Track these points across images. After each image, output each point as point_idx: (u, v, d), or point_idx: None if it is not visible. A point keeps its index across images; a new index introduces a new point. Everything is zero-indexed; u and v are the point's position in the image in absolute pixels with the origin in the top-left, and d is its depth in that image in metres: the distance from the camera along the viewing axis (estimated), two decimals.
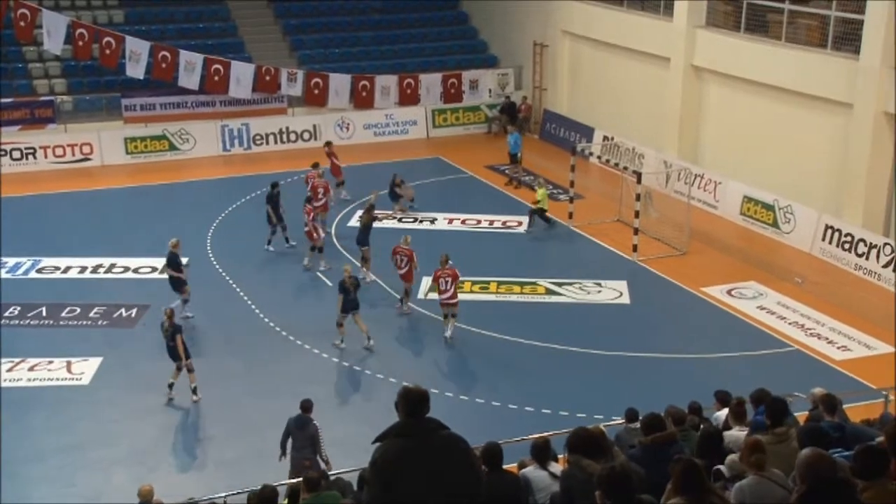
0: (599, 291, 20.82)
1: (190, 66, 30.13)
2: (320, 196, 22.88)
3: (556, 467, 8.08)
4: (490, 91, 34.05)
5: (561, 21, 32.31)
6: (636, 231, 22.53)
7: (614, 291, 20.85)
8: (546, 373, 17.38)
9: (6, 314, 19.30)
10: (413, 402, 5.38)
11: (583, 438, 7.36)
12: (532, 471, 8.10)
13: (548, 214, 24.29)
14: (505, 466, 7.87)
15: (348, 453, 12.22)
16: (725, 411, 10.65)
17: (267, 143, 31.21)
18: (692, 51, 27.08)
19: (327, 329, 18.49)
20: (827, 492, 5.56)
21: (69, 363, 17.56)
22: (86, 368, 17.44)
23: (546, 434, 9.55)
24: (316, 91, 31.70)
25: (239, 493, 11.85)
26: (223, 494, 12.01)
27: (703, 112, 27.32)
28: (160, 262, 20.64)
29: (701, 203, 25.20)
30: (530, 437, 10.01)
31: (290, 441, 13.26)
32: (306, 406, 13.26)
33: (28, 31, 29.60)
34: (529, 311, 19.97)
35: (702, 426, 10.42)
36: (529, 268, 22.01)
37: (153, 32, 31.26)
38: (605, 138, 29.55)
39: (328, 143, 26.82)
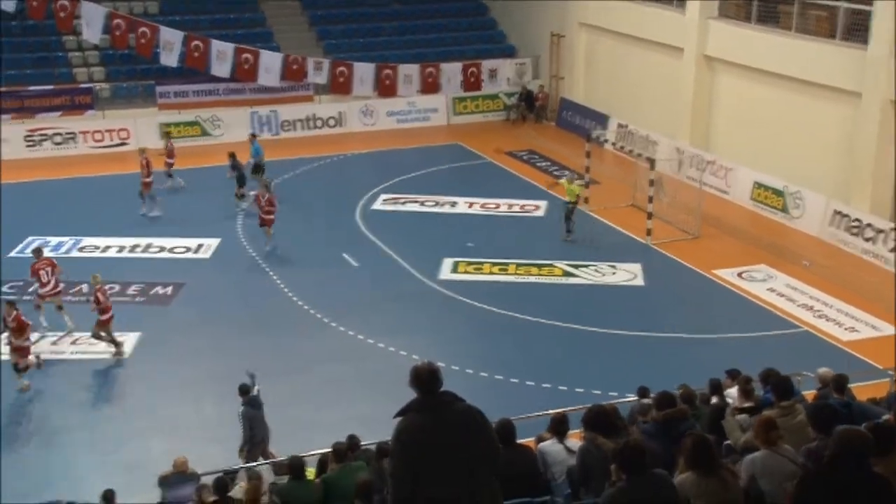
0: (614, 273, 21.55)
1: (221, 56, 31.10)
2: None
3: (572, 442, 8.29)
4: (508, 80, 34.78)
5: (577, 13, 33.06)
6: (650, 215, 23.24)
7: (628, 273, 21.58)
8: (562, 351, 17.96)
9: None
10: (424, 378, 5.60)
11: (598, 415, 7.68)
12: (549, 445, 8.39)
13: (573, 217, 23.12)
14: (522, 441, 8.18)
15: (371, 427, 12.36)
16: (737, 388, 10.86)
17: (294, 129, 32.16)
18: (704, 41, 27.72)
19: (354, 307, 19.39)
20: (849, 461, 5.44)
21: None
22: (125, 342, 18.09)
23: (562, 410, 9.62)
24: (341, 79, 32.57)
25: (266, 462, 12.62)
26: (254, 464, 12.50)
27: (715, 100, 27.96)
28: (193, 242, 21.52)
29: (713, 189, 25.86)
30: (546, 412, 10.30)
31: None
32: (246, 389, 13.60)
33: (68, 22, 30.62)
34: (547, 291, 20.65)
35: (712, 402, 10.60)
36: (547, 250, 22.66)
37: (186, 23, 32.19)
38: (620, 126, 30.28)
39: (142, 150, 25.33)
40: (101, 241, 22.93)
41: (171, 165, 26.16)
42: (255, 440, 13.43)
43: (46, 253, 19.91)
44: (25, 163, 28.46)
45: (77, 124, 29.74)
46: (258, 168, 25.77)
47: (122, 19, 30.92)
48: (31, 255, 19.82)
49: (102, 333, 17.62)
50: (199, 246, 22.78)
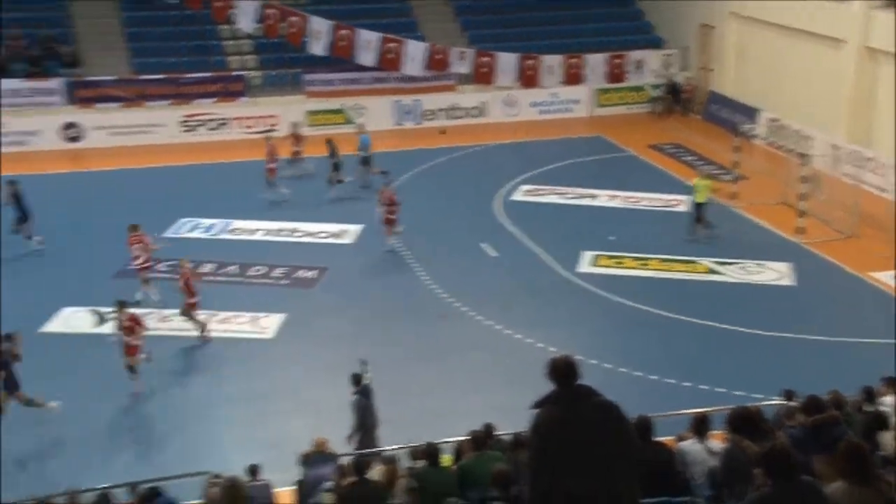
0: (761, 272, 20.85)
1: (367, 45, 31.64)
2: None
3: (714, 443, 8.12)
4: (653, 72, 34.06)
5: (729, 3, 31.99)
6: (802, 213, 22.35)
7: (776, 273, 20.83)
8: (704, 350, 17.55)
9: (203, 271, 20.89)
10: (561, 371, 5.55)
11: (743, 418, 7.41)
12: (689, 444, 8.20)
13: (702, 216, 22.36)
14: (662, 439, 8.08)
15: (508, 417, 12.17)
16: (893, 397, 10.45)
17: (436, 118, 32.41)
18: (868, 32, 26.37)
19: (492, 297, 19.39)
20: None
21: (255, 318, 18.86)
22: (270, 324, 18.65)
23: (704, 410, 9.42)
24: (484, 70, 32.62)
25: (402, 447, 12.73)
26: (389, 448, 12.65)
27: (877, 94, 26.59)
28: (337, 227, 21.95)
29: (871, 186, 24.65)
30: (687, 411, 10.12)
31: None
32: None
33: (223, 12, 31.76)
34: (690, 288, 20.19)
35: (869, 410, 10.12)
36: (690, 246, 22.14)
37: (334, 12, 32.86)
38: (771, 120, 29.19)
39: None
40: (250, 224, 23.65)
41: (298, 154, 26.66)
42: (365, 428, 13.57)
43: (199, 234, 20.73)
44: (180, 147, 29.71)
45: (230, 110, 30.84)
46: (365, 161, 26.03)
47: (274, 9, 31.84)
48: (181, 235, 20.74)
49: (190, 314, 18.03)
50: (343, 231, 23.23)
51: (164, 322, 18.50)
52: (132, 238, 19.43)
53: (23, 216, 21.60)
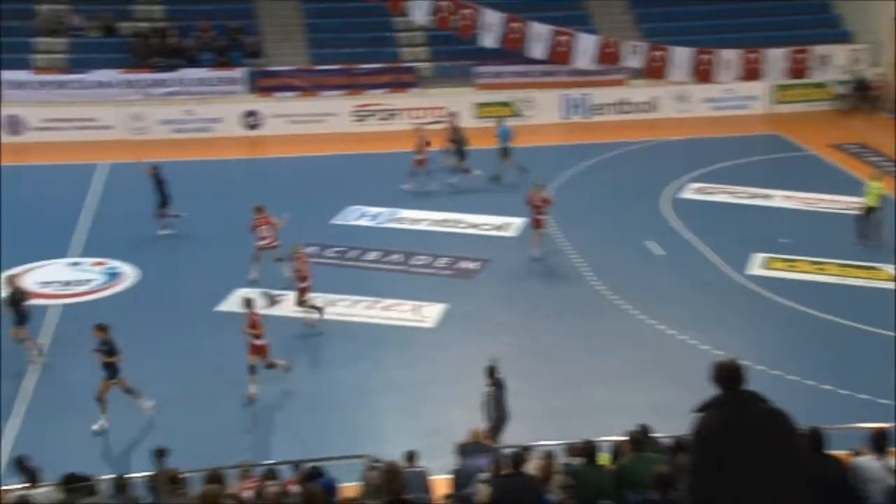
0: None
1: (538, 38, 31.50)
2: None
3: (893, 461, 7.83)
4: (840, 67, 32.36)
5: None
6: None
7: None
8: (884, 362, 16.42)
9: (369, 258, 21.51)
10: (726, 374, 5.37)
11: None
12: (866, 461, 7.88)
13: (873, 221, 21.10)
14: (835, 453, 7.74)
15: (666, 417, 12.09)
16: None
17: (605, 113, 31.93)
18: None
19: (655, 296, 18.95)
20: None
21: (417, 306, 19.08)
22: (431, 313, 18.81)
23: (884, 425, 9.13)
24: (657, 64, 31.88)
25: (559, 443, 12.54)
26: (546, 443, 12.31)
27: None
28: (500, 220, 21.99)
29: None
30: (863, 425, 9.80)
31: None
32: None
33: (399, 4, 32.34)
34: (870, 296, 19.09)
35: None
36: (872, 251, 20.90)
37: (506, 5, 32.85)
38: None
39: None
40: (415, 214, 23.97)
41: (456, 146, 26.58)
42: (497, 423, 13.50)
43: (366, 223, 21.16)
44: (351, 136, 30.46)
45: (400, 101, 31.39)
46: (505, 152, 25.83)
47: (447, 1, 32.14)
48: (349, 223, 21.20)
49: (304, 299, 18.23)
50: (506, 224, 23.21)
51: (330, 306, 18.96)
52: (258, 220, 19.94)
53: (163, 200, 22.34)
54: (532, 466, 9.90)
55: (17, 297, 16.91)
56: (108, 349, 14.92)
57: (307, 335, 18.10)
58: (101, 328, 15.01)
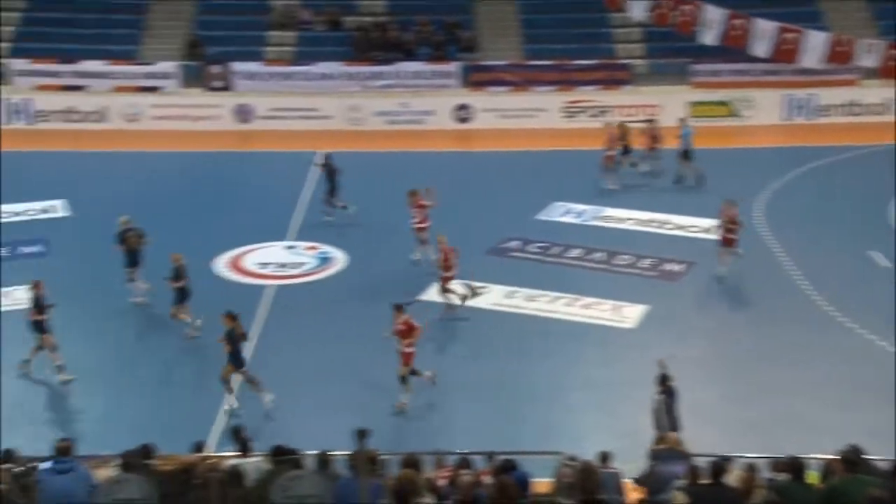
0: None
1: (762, 35, 30.20)
2: None
3: None
4: None
5: None
6: None
7: None
8: None
9: (571, 255, 21.31)
10: None
11: None
12: None
13: None
14: None
15: (881, 442, 11.64)
16: None
17: (832, 114, 30.27)
18: None
19: (878, 309, 17.79)
20: None
21: (618, 306, 18.79)
22: (632, 313, 18.50)
23: None
24: (893, 63, 29.85)
25: (761, 457, 11.93)
26: (748, 455, 11.59)
27: None
28: (707, 222, 21.25)
29: None
30: None
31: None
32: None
33: (617, 0, 31.88)
34: None
35: None
36: None
37: (730, 1, 31.67)
38: None
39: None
40: (621, 213, 23.57)
41: (654, 149, 25.93)
42: (662, 431, 13.07)
43: (570, 219, 21.03)
44: (560, 132, 30.28)
45: (612, 98, 30.91)
46: (686, 154, 24.92)
47: None
48: (553, 219, 21.09)
49: (446, 288, 18.23)
50: (714, 227, 22.31)
51: (530, 301, 19.01)
52: (414, 202, 20.34)
53: (332, 188, 22.92)
54: (732, 478, 9.50)
55: (179, 274, 17.69)
56: (232, 337, 15.26)
57: (450, 319, 18.31)
58: (230, 317, 15.35)
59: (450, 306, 18.51)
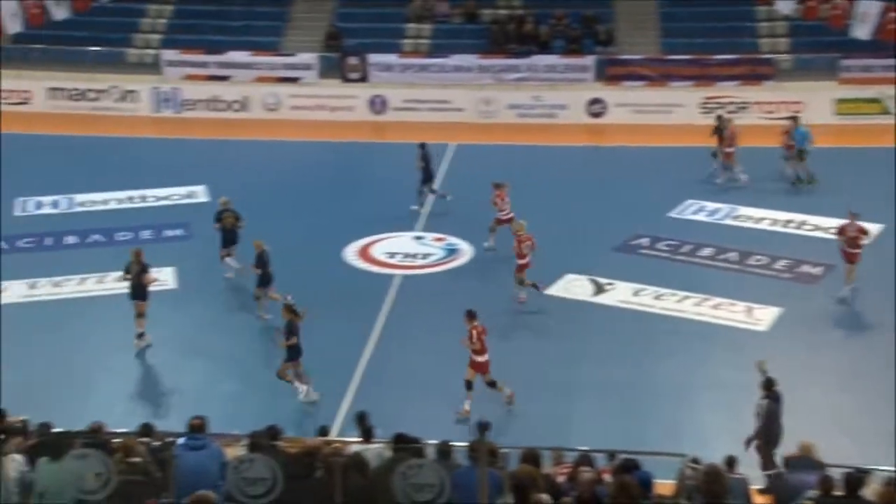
0: None
1: None
2: None
3: None
4: None
5: None
6: None
7: None
8: None
9: (702, 254, 20.84)
10: None
11: None
12: None
13: None
14: None
15: None
16: None
17: None
18: None
19: None
20: None
21: (750, 308, 18.35)
22: (765, 316, 18.06)
23: None
24: None
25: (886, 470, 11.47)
26: (887, 468, 11.28)
27: None
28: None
29: None
30: None
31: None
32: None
33: None
34: None
35: None
36: None
37: None
38: None
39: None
40: (757, 212, 22.88)
41: (728, 155, 24.80)
42: (768, 437, 12.78)
43: (703, 217, 20.57)
44: (698, 128, 28.89)
45: (752, 94, 29.95)
46: (801, 154, 23.88)
47: None
48: (685, 216, 20.53)
49: (521, 277, 18.21)
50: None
51: (657, 300, 18.72)
52: (498, 193, 20.44)
53: (426, 177, 23.02)
54: (870, 492, 9.09)
55: (263, 260, 18.01)
56: (291, 331, 15.30)
57: (522, 312, 18.38)
58: (290, 310, 15.33)
59: (521, 295, 18.55)
